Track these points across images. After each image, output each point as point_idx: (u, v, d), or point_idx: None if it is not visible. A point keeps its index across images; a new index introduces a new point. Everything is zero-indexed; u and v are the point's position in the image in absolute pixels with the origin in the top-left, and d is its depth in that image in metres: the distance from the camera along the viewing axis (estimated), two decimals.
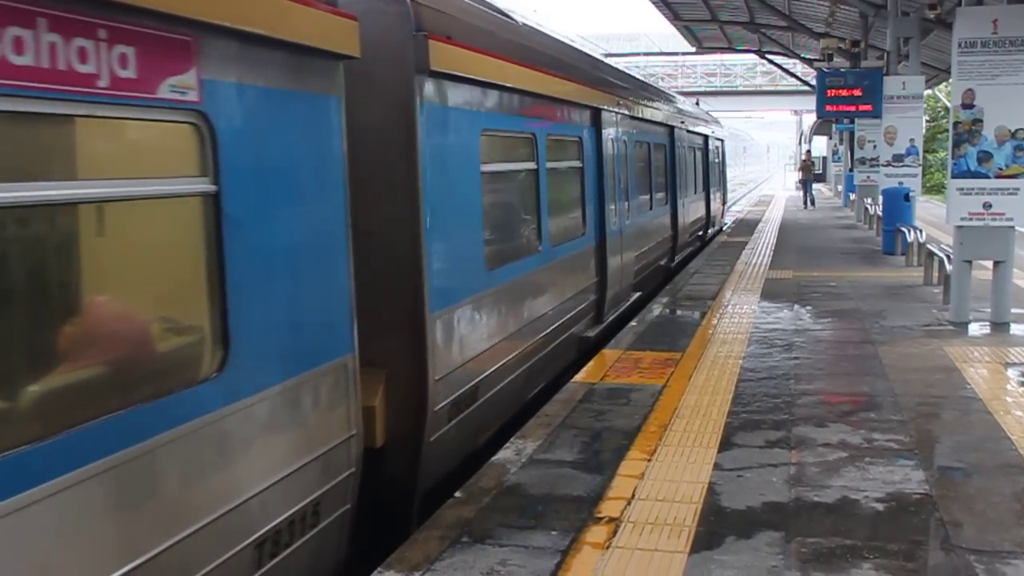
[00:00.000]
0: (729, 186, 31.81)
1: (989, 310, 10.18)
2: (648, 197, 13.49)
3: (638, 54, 59.94)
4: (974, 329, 9.88)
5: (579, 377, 7.95)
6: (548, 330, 8.18)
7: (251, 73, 3.91)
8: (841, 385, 7.65)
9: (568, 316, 8.89)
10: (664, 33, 56.22)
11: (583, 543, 4.56)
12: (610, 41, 71.61)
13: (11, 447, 2.75)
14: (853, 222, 24.89)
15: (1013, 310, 10.16)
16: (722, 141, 25.04)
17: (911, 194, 17.57)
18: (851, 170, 29.35)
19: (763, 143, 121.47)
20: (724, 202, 26.35)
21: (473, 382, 6.37)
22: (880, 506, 4.98)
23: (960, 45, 9.81)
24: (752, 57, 46.08)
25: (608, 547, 4.52)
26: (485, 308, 6.64)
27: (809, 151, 40.93)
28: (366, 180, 5.17)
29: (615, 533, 4.68)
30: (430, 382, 5.62)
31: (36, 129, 2.95)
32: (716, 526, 4.75)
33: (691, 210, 18.08)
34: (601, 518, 4.87)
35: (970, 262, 10.24)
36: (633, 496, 5.17)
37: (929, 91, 35.68)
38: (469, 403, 6.33)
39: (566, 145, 9.24)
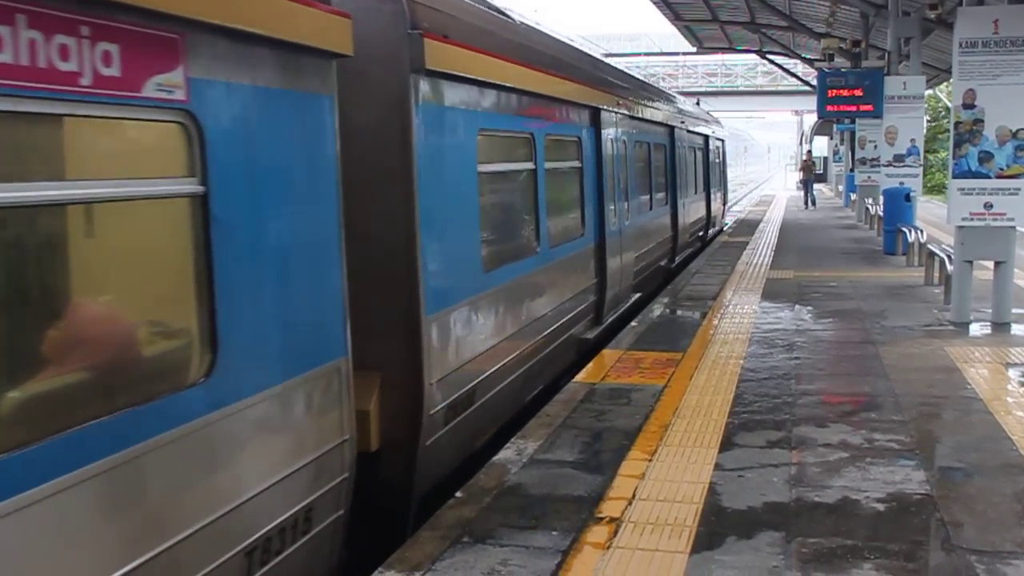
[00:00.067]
0: (730, 186, 31.82)
1: (990, 310, 10.16)
2: (648, 197, 13.45)
3: (639, 54, 60.04)
4: (975, 329, 9.85)
5: (580, 377, 7.92)
6: (546, 332, 8.13)
7: (240, 71, 3.84)
8: (842, 385, 7.62)
9: (567, 318, 8.84)
10: (665, 33, 56.46)
11: (584, 543, 4.54)
12: (611, 41, 71.66)
13: None
14: (854, 222, 24.86)
15: (1014, 310, 10.14)
16: (723, 141, 25.00)
17: (912, 194, 17.57)
18: (852, 170, 29.31)
19: (764, 143, 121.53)
20: (725, 202, 26.30)
21: (470, 385, 6.32)
22: (881, 506, 4.96)
23: (961, 45, 9.78)
24: (753, 57, 46.08)
25: (609, 547, 4.49)
26: (482, 310, 6.58)
27: (810, 151, 40.86)
28: (361, 180, 5.13)
29: (616, 533, 4.65)
30: (425, 385, 5.57)
31: (15, 129, 2.88)
32: (717, 526, 4.73)
33: (691, 210, 18.04)
34: (602, 518, 4.85)
35: (971, 262, 10.22)
36: (634, 496, 5.15)
37: (930, 91, 35.63)
38: (466, 406, 6.27)
39: (565, 145, 9.19)
